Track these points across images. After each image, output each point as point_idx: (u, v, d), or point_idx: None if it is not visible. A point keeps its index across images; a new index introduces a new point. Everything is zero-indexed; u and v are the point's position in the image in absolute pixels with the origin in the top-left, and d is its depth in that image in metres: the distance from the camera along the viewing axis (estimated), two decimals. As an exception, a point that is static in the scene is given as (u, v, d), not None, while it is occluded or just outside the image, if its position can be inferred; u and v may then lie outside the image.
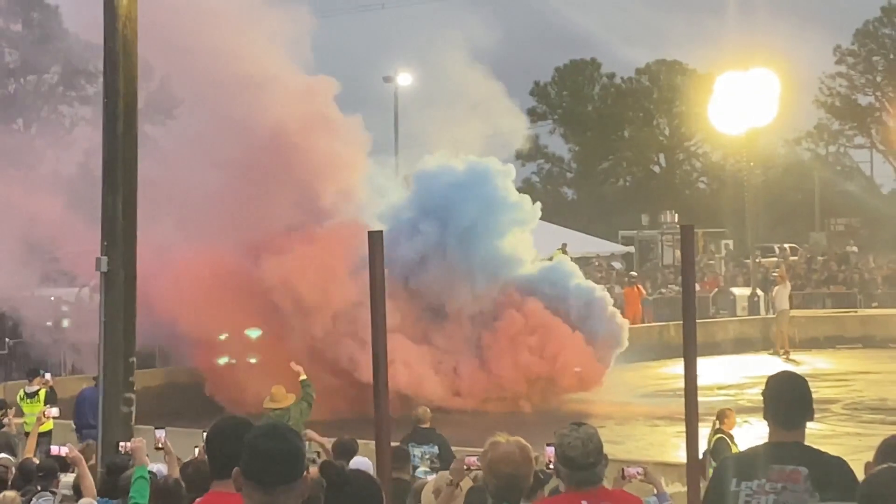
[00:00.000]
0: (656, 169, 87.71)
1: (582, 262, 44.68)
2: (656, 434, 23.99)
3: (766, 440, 6.20)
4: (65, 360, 28.23)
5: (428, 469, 14.10)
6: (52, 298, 31.27)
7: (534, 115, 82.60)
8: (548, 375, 28.07)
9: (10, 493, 10.75)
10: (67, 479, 11.18)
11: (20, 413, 20.37)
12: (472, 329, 28.89)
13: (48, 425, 18.18)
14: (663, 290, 46.52)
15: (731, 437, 15.27)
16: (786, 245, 61.44)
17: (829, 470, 5.92)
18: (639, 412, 26.40)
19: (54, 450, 11.20)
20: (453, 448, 15.04)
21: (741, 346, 37.51)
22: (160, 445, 10.10)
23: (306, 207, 28.52)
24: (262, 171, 27.54)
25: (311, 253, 27.19)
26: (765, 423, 6.18)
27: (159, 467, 10.12)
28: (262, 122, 27.71)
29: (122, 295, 13.87)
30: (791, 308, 38.09)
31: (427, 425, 15.44)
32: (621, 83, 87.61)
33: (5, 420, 18.37)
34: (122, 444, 9.83)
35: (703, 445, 14.53)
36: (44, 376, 21.33)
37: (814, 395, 6.17)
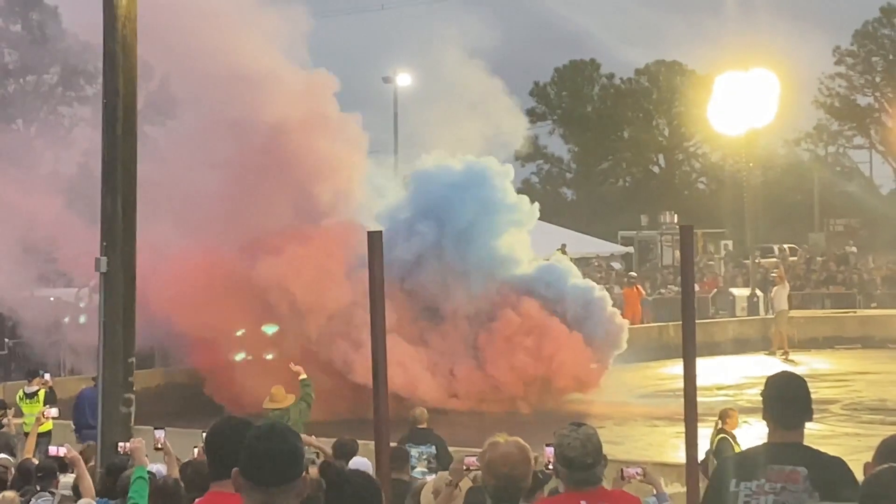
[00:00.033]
0: (656, 169, 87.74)
1: (581, 262, 44.68)
2: (655, 434, 23.98)
3: (765, 440, 6.21)
4: (64, 361, 28.22)
5: (425, 469, 14.11)
6: (52, 299, 31.27)
7: (533, 116, 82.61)
8: (544, 376, 28.00)
9: (10, 494, 10.75)
10: (67, 479, 11.19)
11: (19, 413, 20.37)
12: (469, 330, 28.82)
13: (47, 426, 18.19)
14: (662, 291, 46.54)
15: (733, 437, 15.26)
16: (785, 245, 61.43)
17: (828, 470, 5.93)
18: (638, 412, 26.39)
19: (52, 450, 11.20)
20: (450, 448, 15.05)
21: (740, 346, 37.52)
22: (159, 446, 10.10)
23: (303, 207, 28.49)
24: (259, 171, 27.49)
25: (307, 253, 27.12)
26: (764, 423, 6.18)
27: (159, 467, 10.11)
28: (260, 120, 27.67)
29: (122, 295, 13.87)
30: (790, 308, 38.09)
31: (424, 426, 15.45)
32: (621, 84, 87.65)
33: (5, 420, 18.36)
34: (121, 444, 9.83)
35: (705, 445, 14.55)
36: (43, 377, 21.32)
37: (813, 396, 6.18)
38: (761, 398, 6.18)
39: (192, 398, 27.16)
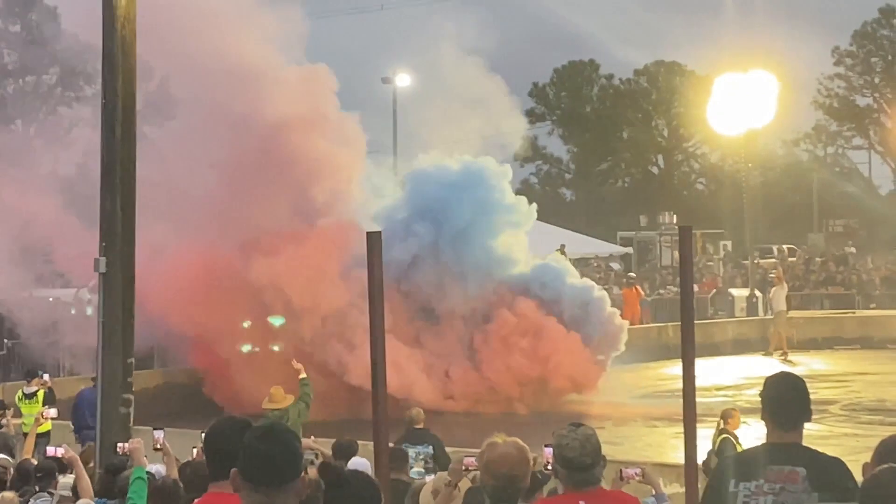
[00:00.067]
0: (655, 170, 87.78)
1: (580, 262, 44.74)
2: (655, 435, 23.98)
3: (764, 441, 6.21)
4: (63, 362, 28.20)
5: (422, 469, 14.12)
6: (51, 299, 31.25)
7: (532, 116, 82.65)
8: (540, 377, 27.93)
9: (9, 494, 10.75)
10: (66, 479, 11.19)
11: (18, 414, 20.37)
12: (464, 331, 28.75)
13: (46, 426, 18.22)
14: (662, 291, 46.55)
15: (735, 437, 15.25)
16: (784, 246, 61.44)
17: (827, 470, 5.93)
18: (637, 413, 26.38)
19: (50, 451, 11.21)
20: (447, 449, 15.08)
21: (739, 346, 37.51)
22: (159, 446, 10.11)
23: (300, 207, 28.44)
24: (256, 170, 27.40)
25: (303, 254, 27.05)
26: (763, 423, 6.19)
27: (158, 468, 10.12)
28: (258, 120, 27.57)
29: (121, 296, 13.86)
30: (788, 309, 38.10)
31: (421, 426, 15.48)
32: (620, 84, 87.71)
33: (4, 421, 18.36)
34: (119, 444, 9.83)
35: (704, 446, 14.54)
36: (42, 377, 21.31)
37: (812, 396, 6.17)
38: (760, 399, 6.18)
39: (191, 399, 27.16)
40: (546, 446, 7.93)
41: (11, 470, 12.16)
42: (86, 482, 10.54)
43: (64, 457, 10.91)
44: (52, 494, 11.10)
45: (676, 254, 38.61)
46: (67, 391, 23.00)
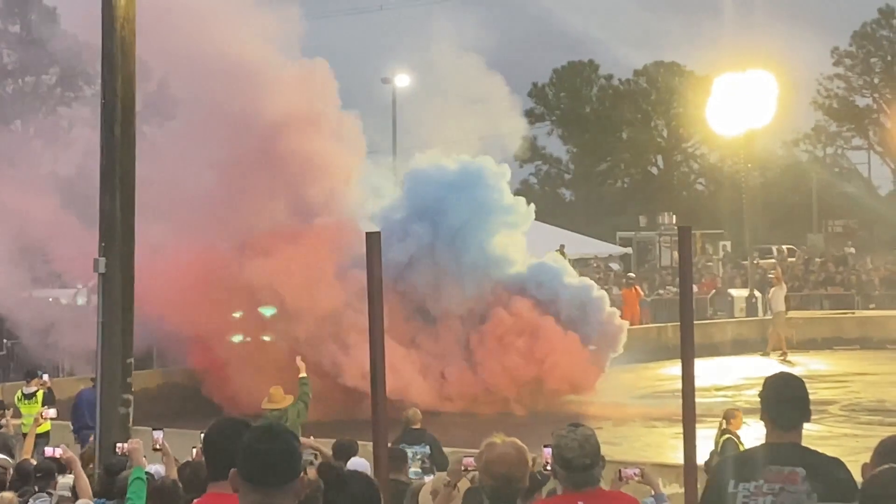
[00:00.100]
0: (654, 170, 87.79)
1: (580, 263, 44.74)
2: (654, 435, 23.98)
3: (763, 441, 6.21)
4: (63, 363, 28.19)
5: (419, 469, 14.13)
6: (50, 300, 31.25)
7: (532, 117, 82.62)
8: (537, 377, 27.86)
9: (8, 495, 10.75)
10: (65, 480, 11.19)
11: (18, 414, 20.36)
12: (461, 331, 28.67)
13: (46, 426, 18.22)
14: (661, 292, 46.55)
15: (737, 437, 15.25)
16: (783, 246, 61.47)
17: (826, 471, 5.92)
18: (636, 413, 26.37)
19: (48, 451, 11.21)
20: (444, 449, 15.11)
21: (739, 347, 37.51)
22: (158, 446, 10.10)
23: (297, 206, 28.38)
24: (253, 169, 27.34)
25: (299, 254, 26.98)
26: (762, 424, 6.19)
27: (157, 468, 10.12)
28: (255, 119, 27.49)
29: (120, 296, 13.86)
30: (788, 310, 38.11)
31: (418, 426, 15.51)
32: (619, 85, 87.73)
33: (3, 421, 18.35)
34: (119, 445, 9.83)
35: (703, 446, 14.54)
36: (41, 377, 21.31)
37: (811, 397, 6.17)
38: (759, 399, 6.17)
39: (190, 399, 27.16)
40: (545, 447, 7.93)
41: (11, 470, 12.16)
42: (84, 482, 10.54)
43: (62, 457, 10.91)
44: (51, 495, 11.10)
45: (676, 254, 38.63)
46: (67, 391, 23.00)
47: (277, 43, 28.77)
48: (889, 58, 79.99)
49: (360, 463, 11.42)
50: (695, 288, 34.71)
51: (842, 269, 49.37)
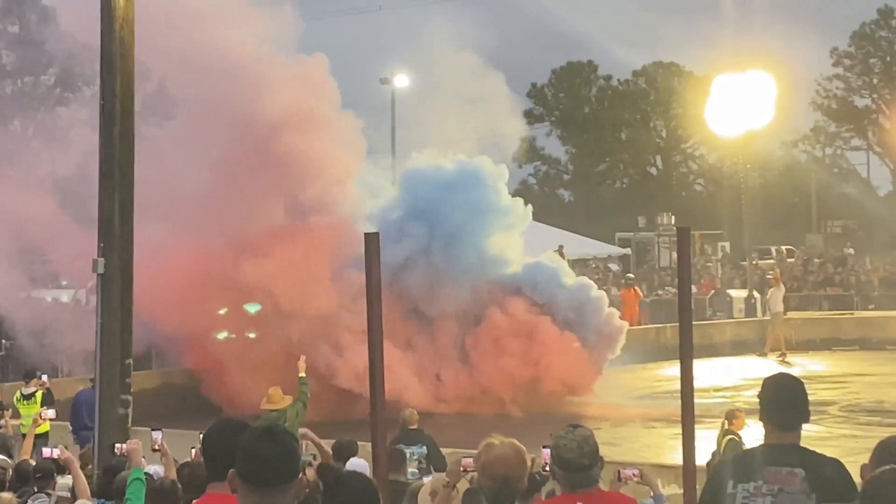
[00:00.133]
0: (653, 171, 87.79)
1: (579, 263, 44.73)
2: (653, 436, 23.98)
3: (762, 442, 6.21)
4: (61, 364, 28.16)
5: (416, 470, 14.13)
6: (50, 300, 31.22)
7: (531, 117, 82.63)
8: (533, 379, 27.76)
9: (7, 495, 10.75)
10: (64, 480, 11.19)
11: (17, 415, 20.34)
12: (457, 332, 28.59)
13: (45, 427, 18.20)
14: (660, 292, 46.55)
15: (739, 437, 15.23)
16: (782, 247, 61.48)
17: (825, 472, 5.92)
18: (635, 414, 26.36)
19: (46, 452, 11.21)
20: (441, 449, 15.11)
21: (738, 348, 37.52)
22: (157, 447, 10.09)
23: (293, 206, 28.30)
24: (250, 169, 27.24)
25: (293, 255, 26.87)
26: (761, 424, 6.18)
27: (156, 469, 10.11)
28: (252, 118, 27.36)
29: (119, 297, 13.86)
30: (786, 310, 38.12)
31: (415, 426, 15.52)
32: (618, 85, 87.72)
33: (2, 422, 18.35)
34: (117, 445, 9.83)
35: (702, 447, 14.52)
36: (40, 378, 21.29)
37: (810, 397, 6.17)
38: (758, 400, 6.17)
39: (189, 399, 27.15)
40: (544, 447, 7.94)
41: (10, 471, 12.16)
42: (82, 482, 10.55)
43: (60, 458, 10.91)
44: (49, 495, 11.10)
45: (675, 255, 38.62)
46: (66, 392, 22.98)
47: (275, 43, 28.73)
48: (888, 58, 80.00)
49: (358, 463, 11.43)
50: (694, 289, 34.71)
51: (841, 270, 49.37)
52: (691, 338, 7.18)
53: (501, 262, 28.72)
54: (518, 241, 29.38)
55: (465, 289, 28.13)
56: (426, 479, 12.55)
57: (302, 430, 13.38)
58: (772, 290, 37.87)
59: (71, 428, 20.04)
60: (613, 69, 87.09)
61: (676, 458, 9.68)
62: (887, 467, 5.02)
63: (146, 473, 9.13)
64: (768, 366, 32.34)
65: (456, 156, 29.58)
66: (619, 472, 8.39)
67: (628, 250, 60.27)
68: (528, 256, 29.57)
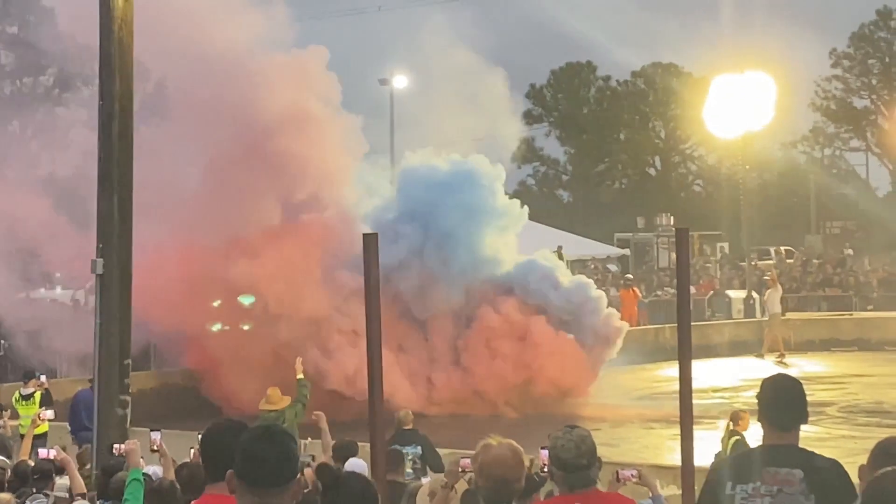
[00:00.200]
0: (652, 172, 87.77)
1: (578, 264, 44.71)
2: (651, 437, 23.99)
3: (761, 443, 6.21)
4: (60, 365, 28.14)
5: (410, 470, 14.15)
6: (49, 301, 31.21)
7: (529, 118, 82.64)
8: (527, 380, 27.60)
9: (5, 496, 10.75)
10: (63, 481, 11.19)
11: (15, 415, 20.33)
12: (450, 334, 28.48)
13: (43, 427, 18.17)
14: (659, 293, 46.53)
15: (744, 439, 15.22)
16: (781, 248, 61.47)
17: (824, 473, 5.92)
18: (634, 415, 26.37)
19: (42, 453, 11.21)
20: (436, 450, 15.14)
21: (736, 348, 37.53)
22: (155, 447, 10.10)
23: (289, 206, 28.19)
24: (245, 169, 27.11)
25: (285, 255, 26.77)
26: (760, 425, 6.19)
27: (155, 469, 10.12)
28: (247, 117, 27.24)
29: (118, 297, 13.86)
30: (785, 311, 38.11)
31: (410, 426, 15.53)
32: (617, 86, 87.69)
33: (1, 422, 18.34)
34: (116, 446, 9.83)
35: (703, 448, 14.51)
36: (39, 379, 21.28)
37: (809, 398, 6.17)
38: (757, 400, 6.17)
39: (188, 400, 27.14)
40: (542, 448, 7.94)
41: (8, 471, 12.15)
42: (78, 482, 10.56)
43: (56, 458, 10.91)
44: (48, 496, 11.10)
45: (673, 255, 38.61)
46: (64, 393, 22.98)
47: (273, 43, 28.66)
48: (887, 59, 79.99)
49: (357, 464, 11.42)
50: (692, 289, 34.73)
51: (840, 271, 49.35)
52: (690, 338, 7.16)
53: (495, 262, 28.58)
54: (513, 241, 29.26)
55: (457, 290, 28.00)
56: (424, 480, 12.57)
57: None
58: (769, 291, 37.87)
59: (70, 428, 20.04)
60: (612, 70, 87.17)
61: (675, 459, 9.70)
62: (890, 468, 5.00)
63: (145, 474, 9.13)
64: (766, 367, 32.34)
65: (451, 155, 29.47)
66: (617, 472, 8.41)
67: (627, 251, 60.26)
68: (521, 255, 29.43)
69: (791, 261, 56.03)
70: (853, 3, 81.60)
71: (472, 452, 6.12)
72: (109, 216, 13.89)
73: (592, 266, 50.80)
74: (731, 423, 15.53)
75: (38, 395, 20.72)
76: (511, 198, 29.82)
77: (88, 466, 13.27)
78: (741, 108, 45.30)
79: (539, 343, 27.67)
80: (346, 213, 28.07)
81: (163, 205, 26.06)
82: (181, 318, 26.20)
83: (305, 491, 7.96)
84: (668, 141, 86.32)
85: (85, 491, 10.43)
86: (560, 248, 41.85)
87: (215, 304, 27.09)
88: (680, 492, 7.48)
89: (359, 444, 12.51)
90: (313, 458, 12.98)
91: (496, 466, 5.85)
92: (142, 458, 9.40)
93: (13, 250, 27.07)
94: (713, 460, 12.86)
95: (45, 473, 11.40)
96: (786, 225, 69.33)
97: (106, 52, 13.94)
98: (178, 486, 8.57)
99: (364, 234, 6.99)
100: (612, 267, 55.45)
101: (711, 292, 45.15)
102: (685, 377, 7.09)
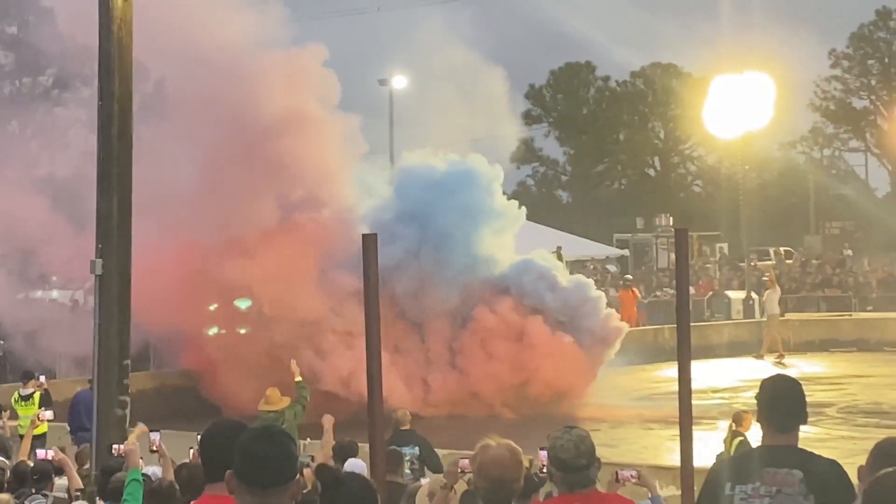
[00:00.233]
0: (651, 172, 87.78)
1: (577, 265, 44.70)
2: (650, 437, 23.99)
3: (760, 443, 6.21)
4: (59, 365, 28.14)
5: (408, 471, 14.14)
6: (48, 301, 31.20)
7: (529, 118, 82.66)
8: (524, 381, 27.54)
9: (5, 496, 10.75)
10: (62, 482, 11.19)
11: (15, 416, 20.33)
12: (446, 335, 28.43)
13: (43, 428, 18.17)
14: (658, 294, 46.52)
15: (747, 439, 15.22)
16: (781, 248, 61.46)
17: (823, 473, 5.92)
18: (633, 415, 26.37)
19: (41, 454, 11.21)
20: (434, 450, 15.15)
21: (736, 349, 37.53)
22: (155, 448, 10.10)
23: (286, 206, 28.16)
24: (242, 169, 27.07)
25: (281, 256, 26.72)
26: (759, 426, 6.19)
27: (154, 470, 10.11)
28: (245, 116, 27.21)
29: (117, 298, 13.85)
30: (784, 312, 38.10)
31: (407, 427, 15.53)
32: (616, 86, 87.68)
33: (0, 423, 18.34)
34: (115, 446, 9.82)
35: (702, 448, 14.51)
36: (38, 379, 21.28)
37: (808, 399, 6.17)
38: (756, 401, 6.17)
39: (187, 400, 27.13)
40: (541, 449, 7.94)
41: (8, 472, 12.15)
42: (76, 483, 10.56)
43: (54, 459, 10.91)
44: (46, 496, 11.09)
45: (673, 256, 38.63)
46: (64, 393, 22.97)
47: (271, 43, 28.62)
48: (886, 60, 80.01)
49: (356, 464, 11.43)
50: (692, 290, 34.70)
51: (839, 271, 49.34)
52: (689, 339, 7.16)
53: (492, 262, 28.52)
54: (510, 242, 29.21)
55: (454, 291, 27.94)
56: (423, 481, 12.56)
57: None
58: (768, 291, 37.87)
59: (69, 429, 20.03)
60: (612, 70, 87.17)
61: (674, 460, 9.70)
62: (891, 469, 5.00)
63: (144, 474, 9.13)
64: (766, 367, 32.35)
65: (448, 155, 29.42)
66: (617, 473, 8.41)
67: (626, 251, 60.25)
68: (517, 255, 29.37)
69: (790, 261, 56.03)
70: (852, 4, 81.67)
71: (471, 453, 6.12)
72: (108, 216, 13.89)
73: (591, 266, 50.79)
74: (733, 423, 15.51)
75: (37, 396, 20.73)
76: (510, 198, 29.80)
77: (87, 466, 13.27)
78: (740, 108, 45.30)
79: (535, 344, 27.61)
80: (342, 214, 28.02)
81: (161, 205, 26.05)
82: (180, 317, 26.19)
83: (305, 491, 7.96)
84: (667, 141, 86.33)
85: (82, 486, 10.43)
86: (559, 248, 41.86)
87: (212, 307, 27.05)
88: (679, 492, 7.49)
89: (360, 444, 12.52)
90: (313, 458, 12.99)
91: (495, 467, 5.85)
92: (141, 458, 9.40)
93: (12, 250, 27.06)
94: (715, 461, 12.86)
95: (45, 474, 11.40)
96: (785, 225, 69.37)
97: (105, 52, 13.94)
98: (177, 486, 8.57)
99: (363, 235, 6.99)
100: (612, 267, 55.45)
101: (711, 293, 45.15)
102: (684, 378, 7.09)
